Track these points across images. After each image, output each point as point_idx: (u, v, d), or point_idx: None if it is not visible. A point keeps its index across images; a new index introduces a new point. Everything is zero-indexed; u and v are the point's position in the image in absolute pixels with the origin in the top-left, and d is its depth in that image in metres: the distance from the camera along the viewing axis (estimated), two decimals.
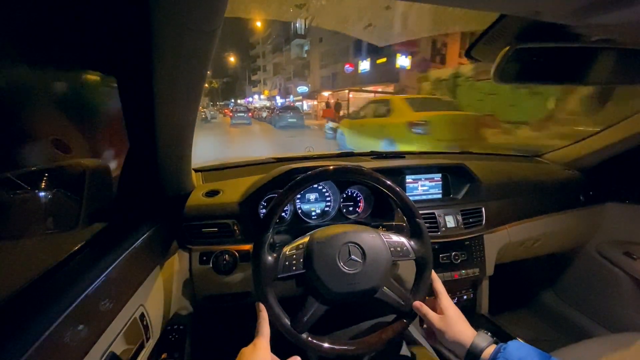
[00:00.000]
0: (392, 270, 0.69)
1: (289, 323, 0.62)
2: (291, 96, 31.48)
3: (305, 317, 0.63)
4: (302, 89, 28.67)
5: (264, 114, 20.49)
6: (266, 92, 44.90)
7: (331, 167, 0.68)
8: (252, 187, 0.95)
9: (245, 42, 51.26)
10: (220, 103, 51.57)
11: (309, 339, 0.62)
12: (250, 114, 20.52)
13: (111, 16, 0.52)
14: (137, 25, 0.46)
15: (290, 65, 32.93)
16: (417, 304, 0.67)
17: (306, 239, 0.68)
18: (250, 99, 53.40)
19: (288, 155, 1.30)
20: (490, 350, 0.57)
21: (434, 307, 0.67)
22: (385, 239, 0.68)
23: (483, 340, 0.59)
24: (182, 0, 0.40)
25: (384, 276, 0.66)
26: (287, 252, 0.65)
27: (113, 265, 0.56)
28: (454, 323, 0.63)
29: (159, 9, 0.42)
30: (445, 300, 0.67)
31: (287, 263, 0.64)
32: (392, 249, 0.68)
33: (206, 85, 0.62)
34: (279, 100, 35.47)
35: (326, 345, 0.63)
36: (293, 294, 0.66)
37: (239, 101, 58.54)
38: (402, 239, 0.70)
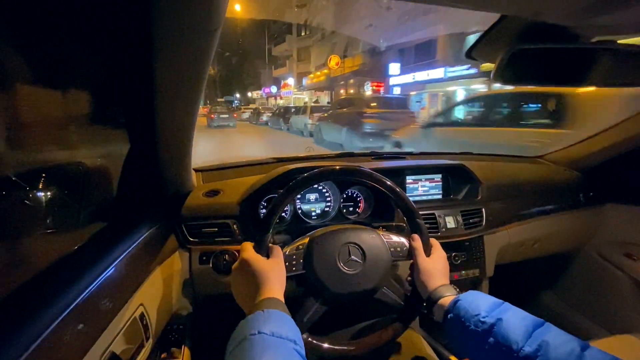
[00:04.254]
0: (392, 270, 0.69)
1: None
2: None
3: (305, 318, 0.63)
4: None
5: None
6: (335, 61, 17.37)
7: (332, 168, 0.68)
8: (252, 187, 0.95)
9: None
10: (220, 100, 33.73)
11: (309, 339, 0.62)
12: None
13: (111, 15, 0.52)
14: (137, 25, 0.46)
15: None
16: (415, 236, 0.67)
17: (306, 240, 0.68)
18: (272, 89, 29.51)
19: (288, 156, 1.30)
20: (449, 299, 0.57)
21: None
22: (385, 239, 0.68)
23: (447, 290, 0.59)
24: None
25: (384, 276, 0.66)
26: (287, 253, 0.65)
27: (113, 265, 0.56)
28: (434, 269, 0.64)
29: (160, 9, 0.42)
30: (439, 249, 0.68)
31: (287, 264, 0.64)
32: (392, 249, 0.68)
33: None
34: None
35: (326, 345, 0.63)
36: (293, 294, 0.66)
37: (249, 95, 37.17)
38: (402, 239, 0.69)
